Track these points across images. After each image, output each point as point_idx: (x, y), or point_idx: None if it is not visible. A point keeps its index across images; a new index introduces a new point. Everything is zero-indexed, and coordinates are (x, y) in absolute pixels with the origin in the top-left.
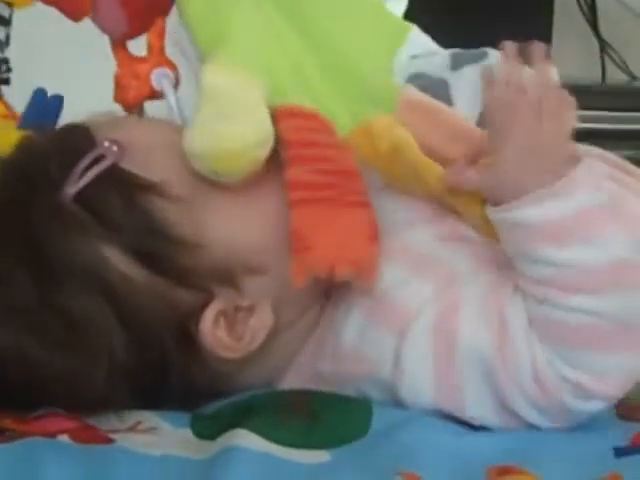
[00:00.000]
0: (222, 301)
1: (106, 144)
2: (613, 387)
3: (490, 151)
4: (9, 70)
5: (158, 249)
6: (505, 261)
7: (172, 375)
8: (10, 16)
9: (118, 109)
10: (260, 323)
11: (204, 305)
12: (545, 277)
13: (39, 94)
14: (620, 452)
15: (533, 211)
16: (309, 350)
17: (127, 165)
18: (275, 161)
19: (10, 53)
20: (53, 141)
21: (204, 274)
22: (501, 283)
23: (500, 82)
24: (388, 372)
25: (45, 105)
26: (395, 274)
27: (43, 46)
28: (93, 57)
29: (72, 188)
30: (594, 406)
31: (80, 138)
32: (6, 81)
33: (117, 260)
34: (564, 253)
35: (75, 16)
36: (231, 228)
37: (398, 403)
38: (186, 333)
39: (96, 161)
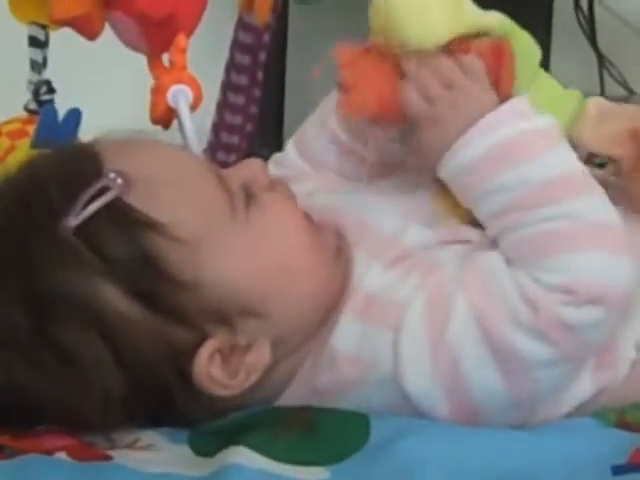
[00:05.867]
0: (218, 340)
1: (111, 175)
2: (598, 286)
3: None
4: (51, 91)
5: (155, 288)
6: None
7: (177, 405)
8: (46, 38)
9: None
10: (257, 360)
11: (200, 343)
12: (507, 203)
13: (48, 110)
14: (617, 470)
15: (470, 150)
16: (306, 368)
17: (132, 199)
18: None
19: (49, 75)
20: (56, 165)
21: (201, 314)
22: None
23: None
24: (389, 368)
25: (57, 121)
26: (387, 279)
27: (76, 65)
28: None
29: (73, 220)
30: (589, 314)
31: (85, 165)
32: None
33: (113, 297)
34: (515, 173)
35: (89, 36)
36: (233, 273)
37: (404, 397)
38: (181, 370)
39: (100, 193)
